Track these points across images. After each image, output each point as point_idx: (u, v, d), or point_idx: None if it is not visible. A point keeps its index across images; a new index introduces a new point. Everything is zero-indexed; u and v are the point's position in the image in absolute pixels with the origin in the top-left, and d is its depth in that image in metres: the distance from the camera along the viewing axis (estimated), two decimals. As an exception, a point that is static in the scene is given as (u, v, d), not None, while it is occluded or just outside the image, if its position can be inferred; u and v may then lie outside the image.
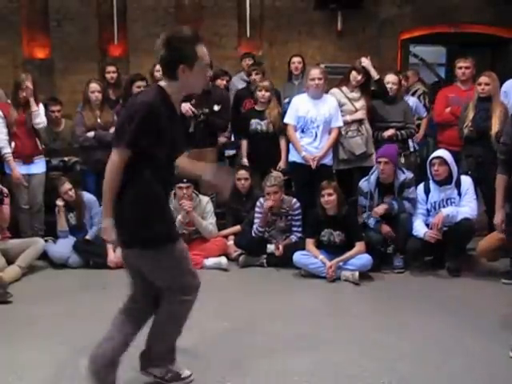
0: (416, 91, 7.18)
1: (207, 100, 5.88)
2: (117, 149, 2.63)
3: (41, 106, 5.83)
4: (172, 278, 2.79)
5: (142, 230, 2.67)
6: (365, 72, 5.77)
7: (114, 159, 2.64)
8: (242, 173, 5.75)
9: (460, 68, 5.99)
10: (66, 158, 6.17)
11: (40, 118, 5.71)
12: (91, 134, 5.87)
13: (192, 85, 2.74)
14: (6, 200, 5.25)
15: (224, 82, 6.80)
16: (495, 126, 5.44)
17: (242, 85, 6.84)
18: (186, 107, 5.71)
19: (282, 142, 5.92)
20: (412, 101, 6.54)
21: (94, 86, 5.92)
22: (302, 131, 5.61)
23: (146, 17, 8.87)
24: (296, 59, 6.74)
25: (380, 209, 5.17)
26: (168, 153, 2.70)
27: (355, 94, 5.81)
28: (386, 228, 5.14)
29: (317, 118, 5.55)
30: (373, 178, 5.27)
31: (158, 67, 6.56)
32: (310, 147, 5.57)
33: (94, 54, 8.62)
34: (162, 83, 2.74)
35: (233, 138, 6.73)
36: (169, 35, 2.66)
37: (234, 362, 3.32)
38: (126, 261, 2.90)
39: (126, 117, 2.64)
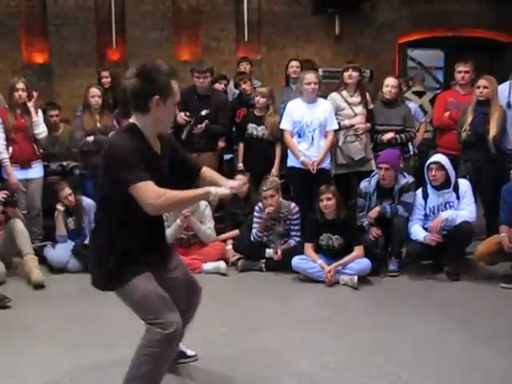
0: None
1: (206, 104, 5.90)
2: (134, 185, 2.47)
3: (40, 113, 5.83)
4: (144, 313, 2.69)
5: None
6: (354, 67, 5.78)
7: (145, 197, 2.48)
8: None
9: (460, 72, 6.00)
10: (64, 163, 6.19)
11: (41, 127, 5.74)
12: (91, 138, 5.88)
13: (163, 120, 2.63)
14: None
15: (222, 86, 6.81)
16: (493, 130, 5.45)
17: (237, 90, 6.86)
18: (179, 117, 5.73)
19: (278, 149, 5.94)
20: (411, 105, 6.56)
21: (94, 90, 5.93)
22: (299, 136, 5.62)
23: (144, 21, 8.88)
24: (294, 63, 6.75)
25: (373, 212, 5.18)
26: None
27: (355, 99, 5.82)
28: (374, 230, 5.14)
29: (312, 122, 5.56)
30: (373, 180, 5.28)
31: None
32: (307, 152, 5.58)
33: (92, 58, 8.64)
34: (133, 120, 2.65)
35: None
36: (144, 65, 2.57)
37: (232, 367, 3.32)
38: None
39: (112, 164, 2.54)
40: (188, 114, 5.81)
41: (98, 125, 5.92)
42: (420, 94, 7.63)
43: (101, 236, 2.70)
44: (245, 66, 7.18)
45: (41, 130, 5.72)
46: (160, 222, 2.88)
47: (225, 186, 2.70)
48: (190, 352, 3.33)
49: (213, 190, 2.60)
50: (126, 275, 2.64)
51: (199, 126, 5.87)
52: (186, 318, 2.86)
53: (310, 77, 5.59)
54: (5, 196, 5.19)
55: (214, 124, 5.97)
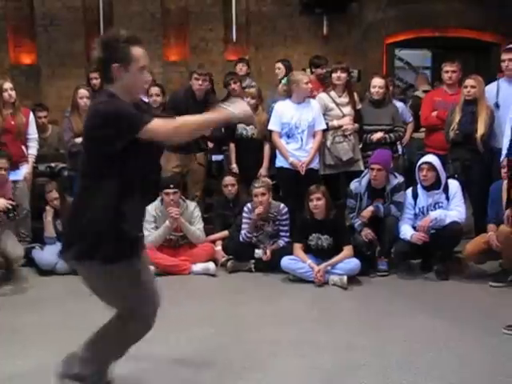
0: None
1: (203, 108, 5.85)
2: (145, 127, 2.43)
3: (31, 117, 5.80)
4: (121, 301, 2.66)
5: (99, 242, 2.52)
6: (343, 68, 5.80)
7: (158, 132, 2.47)
8: (229, 179, 5.77)
9: (447, 72, 6.03)
10: (52, 164, 6.16)
11: (35, 147, 5.80)
12: (79, 139, 5.82)
13: (130, 87, 2.58)
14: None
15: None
16: (481, 129, 5.49)
17: None
18: None
19: (266, 149, 5.94)
20: (398, 105, 6.58)
21: (83, 91, 5.91)
22: (288, 137, 5.63)
23: (133, 22, 8.83)
24: (277, 65, 6.81)
25: (367, 212, 5.20)
26: (144, 159, 2.55)
27: (343, 99, 5.83)
28: (366, 231, 5.16)
29: (301, 123, 5.57)
30: (364, 180, 5.29)
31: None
32: (297, 153, 5.58)
33: (80, 59, 8.58)
34: (105, 87, 2.64)
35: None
36: (102, 36, 2.62)
37: (221, 369, 3.31)
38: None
39: (101, 124, 2.47)
40: None
41: (87, 126, 5.87)
42: None
43: (90, 207, 2.54)
44: (241, 67, 7.18)
45: (35, 152, 5.81)
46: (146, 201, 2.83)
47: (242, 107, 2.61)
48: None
49: (231, 109, 2.54)
50: (122, 252, 2.56)
51: None
52: None
53: (306, 77, 5.65)
54: (9, 206, 5.05)
55: (214, 130, 5.95)
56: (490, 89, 5.67)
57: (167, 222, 5.34)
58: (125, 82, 2.56)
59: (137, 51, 2.56)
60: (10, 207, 4.98)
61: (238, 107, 2.57)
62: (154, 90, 6.22)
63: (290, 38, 9.17)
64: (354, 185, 5.35)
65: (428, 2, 9.07)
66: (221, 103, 2.69)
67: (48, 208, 5.49)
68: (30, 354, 3.56)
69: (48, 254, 5.40)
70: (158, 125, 2.47)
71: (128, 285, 2.61)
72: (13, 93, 5.64)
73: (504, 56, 5.60)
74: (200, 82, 5.93)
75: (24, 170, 5.77)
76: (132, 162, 2.50)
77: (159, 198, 5.39)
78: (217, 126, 2.52)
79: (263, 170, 5.90)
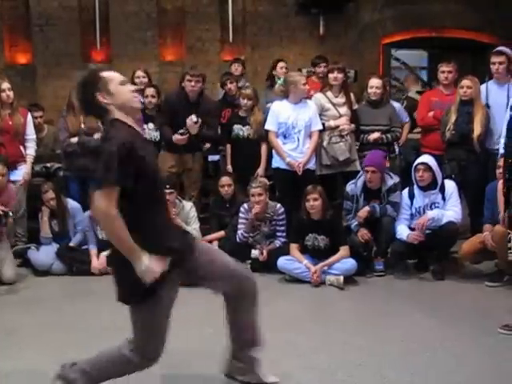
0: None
1: (196, 110, 5.85)
2: (100, 190, 2.41)
3: (29, 117, 5.78)
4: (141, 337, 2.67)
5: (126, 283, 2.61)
6: (339, 69, 5.80)
7: (100, 204, 2.41)
8: (225, 179, 5.76)
9: (443, 72, 6.03)
10: (48, 164, 6.15)
11: (33, 148, 5.79)
12: (75, 139, 5.83)
13: (122, 104, 2.60)
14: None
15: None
16: (477, 129, 5.50)
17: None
18: (174, 138, 5.75)
19: (263, 149, 5.94)
20: (395, 105, 6.57)
21: (78, 92, 5.87)
22: (285, 137, 5.63)
23: (129, 22, 8.82)
24: (282, 64, 6.81)
25: (363, 212, 5.20)
26: (152, 183, 2.57)
27: (340, 100, 5.83)
28: (362, 231, 5.16)
29: (298, 123, 5.58)
30: (360, 182, 5.30)
31: (138, 73, 6.59)
32: (293, 153, 5.58)
33: (76, 59, 8.56)
34: (114, 115, 2.62)
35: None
36: (76, 86, 2.67)
37: (218, 369, 3.30)
38: None
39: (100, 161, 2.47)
40: (182, 131, 5.76)
41: (83, 126, 5.87)
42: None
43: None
44: (236, 68, 7.18)
45: (33, 152, 5.82)
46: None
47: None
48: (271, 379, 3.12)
49: (146, 262, 2.47)
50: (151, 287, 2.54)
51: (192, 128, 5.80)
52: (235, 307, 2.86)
53: (303, 78, 5.67)
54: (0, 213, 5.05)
55: (207, 130, 5.94)
56: (481, 90, 5.68)
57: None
58: (115, 103, 2.59)
59: (106, 75, 2.64)
60: (1, 213, 4.97)
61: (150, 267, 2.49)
62: (150, 91, 6.21)
63: (287, 39, 9.16)
64: (349, 187, 5.35)
65: (424, 2, 9.07)
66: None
67: (44, 208, 5.47)
68: (25, 355, 3.55)
69: (44, 254, 5.39)
70: (98, 200, 2.41)
71: (149, 326, 2.66)
72: (11, 93, 5.63)
73: (494, 59, 5.61)
74: (193, 84, 5.90)
75: (22, 171, 5.75)
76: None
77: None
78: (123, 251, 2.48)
79: (260, 170, 5.89)
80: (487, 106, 5.64)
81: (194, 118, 5.74)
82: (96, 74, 2.64)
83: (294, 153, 5.59)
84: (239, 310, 2.88)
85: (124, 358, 2.67)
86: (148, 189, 2.53)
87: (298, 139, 5.60)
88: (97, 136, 5.85)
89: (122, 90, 2.63)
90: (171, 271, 2.58)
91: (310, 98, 5.85)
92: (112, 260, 2.77)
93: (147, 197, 2.54)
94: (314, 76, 6.91)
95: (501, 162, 4.83)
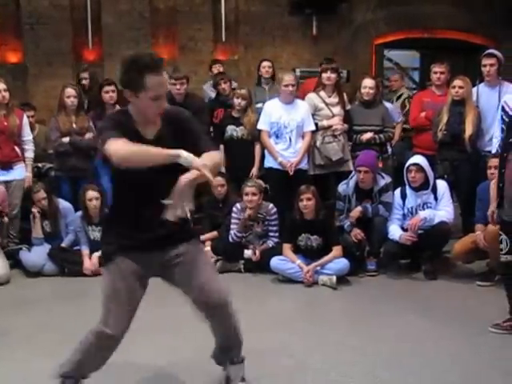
0: (401, 95, 7.22)
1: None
2: (105, 144, 2.42)
3: (25, 118, 5.77)
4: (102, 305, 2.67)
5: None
6: (333, 69, 5.80)
7: (109, 150, 2.40)
8: (218, 179, 5.73)
9: (435, 73, 6.05)
10: (39, 164, 6.12)
11: (32, 150, 5.78)
12: (66, 139, 5.80)
13: (140, 111, 2.56)
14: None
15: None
16: (469, 129, 5.51)
17: (213, 92, 6.83)
18: None
19: (257, 149, 5.93)
20: (388, 105, 6.59)
21: (70, 91, 5.85)
22: (277, 137, 5.63)
23: (121, 21, 8.80)
24: (266, 63, 6.81)
25: (355, 212, 5.21)
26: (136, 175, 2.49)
27: (333, 99, 5.83)
28: (355, 231, 5.16)
29: (289, 123, 5.58)
30: (352, 182, 5.30)
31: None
32: (285, 153, 5.59)
33: (68, 58, 8.53)
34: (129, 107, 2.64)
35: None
36: (124, 58, 2.53)
37: (211, 369, 3.29)
38: None
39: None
40: None
41: (74, 126, 5.84)
42: None
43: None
44: (218, 68, 7.20)
45: (32, 155, 5.81)
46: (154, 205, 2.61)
47: (201, 161, 2.44)
48: None
49: (185, 153, 2.39)
50: (108, 254, 2.67)
51: None
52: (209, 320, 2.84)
53: (289, 78, 5.61)
54: None
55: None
56: (472, 92, 5.70)
57: (156, 223, 5.30)
58: (136, 106, 2.57)
59: (151, 80, 2.46)
60: None
61: (198, 160, 2.43)
62: None
63: (280, 38, 9.17)
64: (341, 187, 5.36)
65: (417, 3, 9.11)
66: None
67: (35, 208, 5.44)
68: (17, 356, 3.53)
69: (35, 255, 5.36)
70: (113, 147, 2.39)
71: (105, 294, 2.68)
72: (6, 94, 5.60)
73: (485, 61, 5.63)
74: (178, 87, 5.88)
75: (17, 171, 5.70)
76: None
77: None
78: (162, 162, 2.39)
79: (255, 170, 5.88)
80: (478, 108, 5.65)
81: None
82: (139, 74, 2.46)
83: (286, 153, 5.60)
84: (210, 320, 2.84)
85: (89, 332, 2.69)
86: (129, 175, 2.47)
87: (290, 139, 5.61)
88: (88, 136, 5.84)
89: (149, 104, 2.52)
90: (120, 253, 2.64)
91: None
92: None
93: (128, 183, 2.55)
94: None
95: (492, 163, 4.88)
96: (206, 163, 2.41)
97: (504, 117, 5.17)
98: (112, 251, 2.65)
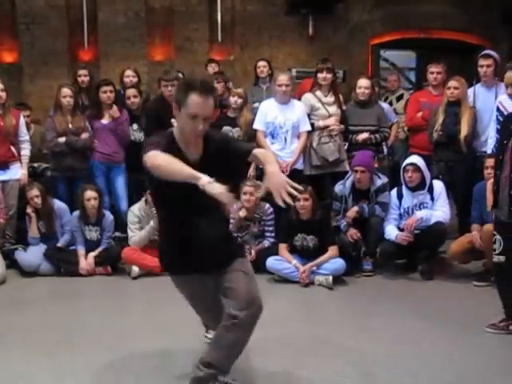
0: (401, 96, 7.21)
1: None
2: (146, 154, 2.56)
3: (22, 118, 5.75)
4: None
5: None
6: (329, 69, 5.80)
7: (147, 161, 2.55)
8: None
9: (432, 73, 6.05)
10: (35, 164, 6.10)
11: (28, 149, 5.76)
12: (62, 139, 5.78)
13: (182, 127, 2.70)
14: None
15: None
16: (464, 130, 5.51)
17: None
18: None
19: None
20: (383, 105, 6.58)
21: (66, 90, 5.83)
22: (272, 137, 5.63)
23: (117, 21, 8.77)
24: (261, 63, 6.81)
25: (351, 212, 5.21)
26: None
27: (329, 99, 5.83)
28: (351, 231, 5.16)
29: (285, 123, 5.58)
30: (348, 182, 5.30)
31: (128, 72, 6.57)
32: (280, 153, 5.58)
33: (63, 58, 8.50)
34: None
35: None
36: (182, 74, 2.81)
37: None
38: None
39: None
40: None
41: (70, 126, 5.82)
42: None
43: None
44: (213, 67, 7.19)
45: (28, 153, 5.79)
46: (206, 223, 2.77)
47: (219, 188, 2.46)
48: None
49: (206, 180, 2.43)
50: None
51: None
52: None
53: (283, 78, 5.60)
54: None
55: None
56: (469, 93, 5.71)
57: (152, 223, 5.29)
58: (179, 124, 2.73)
59: (193, 99, 2.60)
60: None
61: (217, 187, 2.45)
62: (130, 92, 6.18)
63: (276, 38, 9.15)
64: (338, 188, 5.36)
65: (413, 3, 9.11)
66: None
67: (29, 207, 5.42)
68: (12, 356, 3.51)
69: (31, 255, 5.35)
70: (151, 154, 2.54)
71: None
72: (3, 94, 5.58)
73: (482, 62, 5.63)
74: (170, 88, 5.87)
75: (15, 170, 5.69)
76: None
77: (143, 199, 5.37)
78: (185, 180, 2.47)
79: (252, 171, 5.87)
80: (475, 109, 5.65)
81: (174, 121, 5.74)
82: (185, 90, 2.64)
83: (281, 153, 5.59)
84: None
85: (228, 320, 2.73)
86: (174, 199, 2.67)
87: (285, 139, 5.61)
88: (84, 136, 5.83)
89: (187, 121, 2.65)
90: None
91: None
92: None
93: (172, 206, 2.72)
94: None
95: (488, 163, 4.88)
96: (222, 191, 2.43)
97: (499, 117, 5.20)
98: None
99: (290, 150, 5.61)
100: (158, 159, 2.51)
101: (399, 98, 7.06)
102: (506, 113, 5.12)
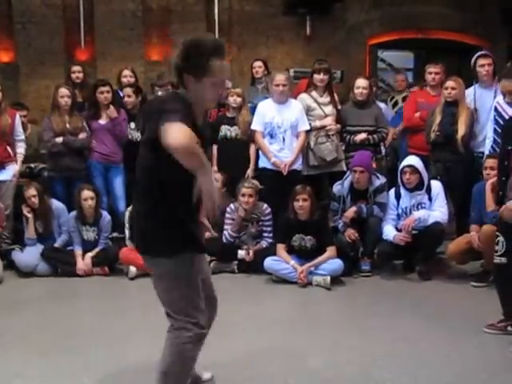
0: (407, 97, 7.19)
1: None
2: (171, 123, 2.21)
3: (18, 118, 5.73)
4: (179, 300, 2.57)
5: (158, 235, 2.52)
6: (325, 70, 5.79)
7: (175, 129, 2.19)
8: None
9: (430, 73, 6.04)
10: (32, 165, 6.06)
11: (23, 147, 5.73)
12: (60, 139, 5.75)
13: (199, 97, 2.48)
14: None
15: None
16: (461, 130, 5.51)
17: None
18: None
19: (252, 149, 5.91)
20: (381, 106, 6.57)
21: (64, 90, 5.81)
22: (271, 137, 5.62)
23: (114, 20, 8.75)
24: (257, 63, 6.81)
25: (349, 212, 5.20)
26: None
27: (325, 99, 5.82)
28: (349, 231, 5.15)
29: (283, 123, 5.57)
30: (346, 183, 5.29)
31: (125, 72, 6.55)
32: (279, 153, 5.58)
33: (60, 58, 8.48)
34: (180, 90, 2.54)
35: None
36: (185, 41, 2.47)
37: (204, 369, 3.28)
38: None
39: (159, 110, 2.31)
40: None
41: (68, 125, 5.80)
42: None
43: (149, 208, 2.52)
44: None
45: (23, 151, 5.75)
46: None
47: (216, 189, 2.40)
48: (206, 375, 3.14)
49: (207, 178, 2.28)
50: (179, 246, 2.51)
51: None
52: None
53: (279, 78, 5.59)
54: None
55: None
56: (468, 93, 5.71)
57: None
58: (195, 92, 2.47)
59: (216, 65, 2.43)
60: None
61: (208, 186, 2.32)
62: (127, 91, 6.16)
63: (273, 38, 9.14)
64: (336, 188, 5.35)
65: (411, 3, 9.11)
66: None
67: (25, 207, 5.40)
68: (10, 356, 3.50)
69: (28, 255, 5.33)
70: (180, 128, 2.21)
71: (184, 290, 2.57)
72: None
73: (482, 61, 5.62)
74: (163, 93, 5.88)
75: (11, 170, 5.67)
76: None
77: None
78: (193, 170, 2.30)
79: (250, 171, 5.86)
80: (475, 109, 5.64)
81: None
82: (205, 59, 2.41)
83: (280, 153, 5.58)
84: None
85: (179, 344, 2.58)
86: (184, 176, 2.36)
87: (284, 139, 5.59)
88: (82, 136, 5.81)
89: (210, 89, 2.47)
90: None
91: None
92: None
93: (185, 177, 2.38)
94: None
95: (487, 163, 4.88)
96: (212, 194, 2.30)
97: (497, 117, 5.19)
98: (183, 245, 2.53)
99: (289, 150, 5.60)
100: (188, 139, 2.20)
101: (405, 99, 7.01)
102: (504, 114, 5.13)
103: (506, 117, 5.02)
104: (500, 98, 5.28)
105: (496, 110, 5.24)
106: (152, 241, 2.56)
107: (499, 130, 5.12)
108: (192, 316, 2.55)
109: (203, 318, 2.59)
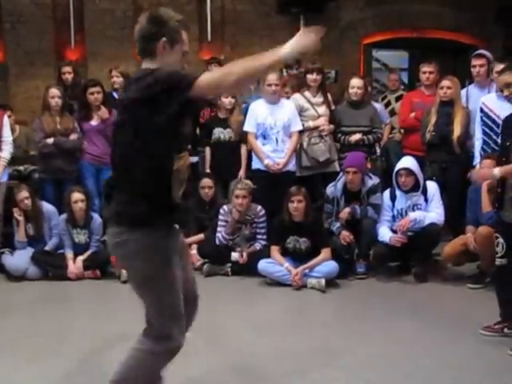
0: (401, 96, 7.15)
1: None
2: (196, 81, 2.21)
3: (5, 119, 5.64)
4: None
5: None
6: (318, 70, 5.74)
7: (208, 76, 2.26)
8: (206, 181, 5.68)
9: (424, 73, 6.00)
10: (21, 167, 5.98)
11: (8, 151, 5.56)
12: (50, 140, 5.68)
13: (170, 65, 2.45)
14: None
15: None
16: (457, 130, 5.48)
17: None
18: None
19: (243, 150, 5.86)
20: (376, 106, 6.53)
21: (54, 91, 5.74)
22: (264, 138, 5.57)
23: (104, 20, 8.67)
24: None
25: (344, 213, 5.16)
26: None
27: (318, 99, 5.78)
28: (344, 233, 5.11)
29: (276, 123, 5.53)
30: (339, 184, 5.25)
31: (113, 73, 6.47)
32: (272, 154, 5.53)
33: (50, 58, 8.38)
34: (144, 65, 2.50)
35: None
36: (156, 10, 2.58)
37: (198, 373, 3.24)
38: None
39: (152, 83, 2.26)
40: None
41: (59, 126, 5.73)
42: None
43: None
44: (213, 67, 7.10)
45: (8, 155, 5.59)
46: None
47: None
48: None
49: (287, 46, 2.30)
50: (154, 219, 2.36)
51: None
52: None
53: (272, 78, 5.53)
54: None
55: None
56: (462, 94, 5.68)
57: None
58: (166, 60, 2.46)
59: (184, 35, 2.53)
60: None
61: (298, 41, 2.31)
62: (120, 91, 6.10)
63: (266, 38, 9.07)
64: (329, 190, 5.31)
65: (405, 2, 9.08)
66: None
67: (16, 210, 5.32)
68: (2, 363, 3.45)
69: (18, 259, 5.27)
70: (208, 77, 2.27)
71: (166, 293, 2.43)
72: None
73: (474, 62, 5.61)
74: None
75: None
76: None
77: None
78: (267, 71, 2.46)
79: (242, 173, 5.81)
80: (468, 109, 5.62)
81: None
82: (178, 25, 2.51)
83: (273, 154, 5.54)
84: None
85: (153, 350, 2.48)
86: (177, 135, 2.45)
87: (277, 140, 5.55)
88: (73, 137, 5.74)
89: (178, 57, 2.51)
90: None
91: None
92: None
93: (173, 144, 2.43)
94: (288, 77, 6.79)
95: (484, 164, 4.84)
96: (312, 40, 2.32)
97: (484, 118, 5.14)
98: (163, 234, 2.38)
99: (282, 151, 5.55)
100: (232, 69, 2.24)
101: (398, 99, 6.95)
102: (491, 114, 5.08)
103: (493, 116, 5.01)
104: (486, 97, 5.24)
105: (482, 110, 5.19)
106: (125, 211, 2.40)
107: (487, 130, 5.11)
108: (167, 326, 2.44)
109: (179, 329, 2.47)
